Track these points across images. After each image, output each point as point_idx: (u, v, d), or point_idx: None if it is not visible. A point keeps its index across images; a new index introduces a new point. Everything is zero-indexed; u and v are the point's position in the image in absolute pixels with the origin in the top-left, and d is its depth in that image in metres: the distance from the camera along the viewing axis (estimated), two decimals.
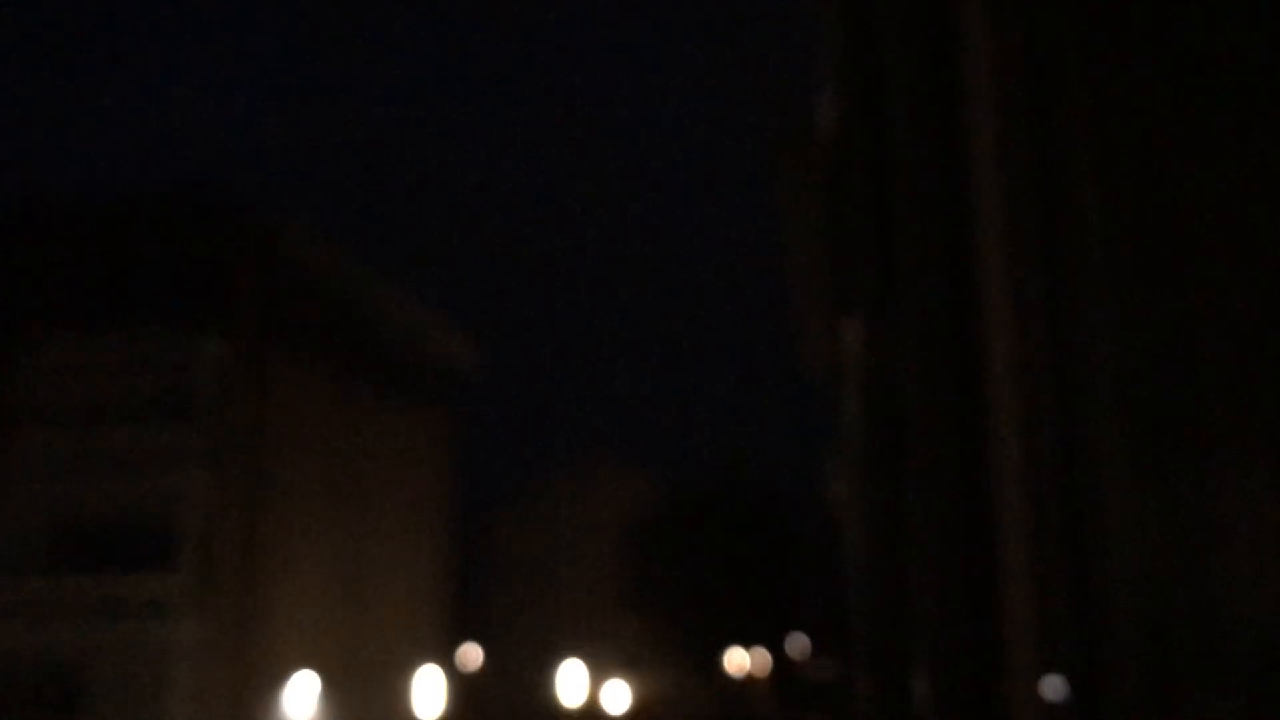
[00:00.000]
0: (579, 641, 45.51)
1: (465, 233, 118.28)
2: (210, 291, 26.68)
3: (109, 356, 26.29)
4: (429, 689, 26.38)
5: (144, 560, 25.22)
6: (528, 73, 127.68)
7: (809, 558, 44.54)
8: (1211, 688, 1.71)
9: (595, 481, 51.64)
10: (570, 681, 36.03)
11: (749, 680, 48.31)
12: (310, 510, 29.06)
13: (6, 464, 26.13)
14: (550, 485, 53.23)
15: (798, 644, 46.49)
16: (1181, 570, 1.94)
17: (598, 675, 45.10)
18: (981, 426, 3.13)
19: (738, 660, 47.76)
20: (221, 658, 25.58)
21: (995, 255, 2.80)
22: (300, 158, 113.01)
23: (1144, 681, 2.05)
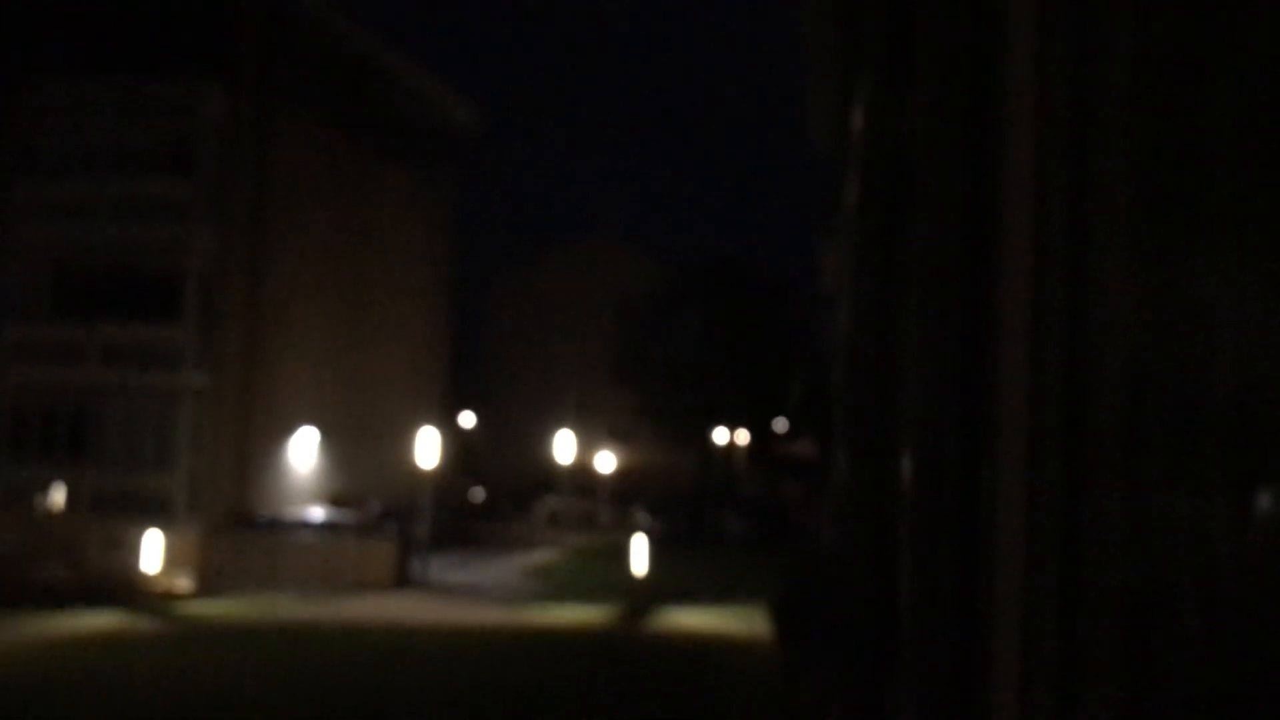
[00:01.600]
0: (572, 411, 46.87)
1: None
2: (214, 43, 26.18)
3: (110, 105, 26.06)
4: (428, 445, 27.45)
5: (148, 308, 25.76)
6: None
7: (798, 342, 45.42)
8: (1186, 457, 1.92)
9: (593, 257, 51.92)
10: (562, 446, 37.42)
11: (731, 454, 50.21)
12: (312, 270, 29.45)
13: (10, 211, 26.26)
14: (549, 259, 53.52)
15: (780, 425, 48.10)
16: (1166, 353, 2.11)
17: (588, 443, 46.79)
18: (988, 208, 3.18)
19: (722, 436, 49.52)
20: (226, 407, 26.50)
21: (1023, 36, 2.78)
22: None
23: (1123, 453, 2.26)
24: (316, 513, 27.58)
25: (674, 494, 40.30)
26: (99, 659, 17.79)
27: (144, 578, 24.13)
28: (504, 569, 29.55)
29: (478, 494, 41.10)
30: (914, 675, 4.21)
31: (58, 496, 25.73)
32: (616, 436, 50.69)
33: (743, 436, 49.63)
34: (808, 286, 39.72)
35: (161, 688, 15.71)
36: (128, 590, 24.13)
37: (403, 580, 26.39)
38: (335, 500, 29.13)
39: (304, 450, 29.18)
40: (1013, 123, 2.74)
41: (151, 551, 23.58)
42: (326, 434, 29.84)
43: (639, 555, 23.74)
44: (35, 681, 15.73)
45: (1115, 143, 2.44)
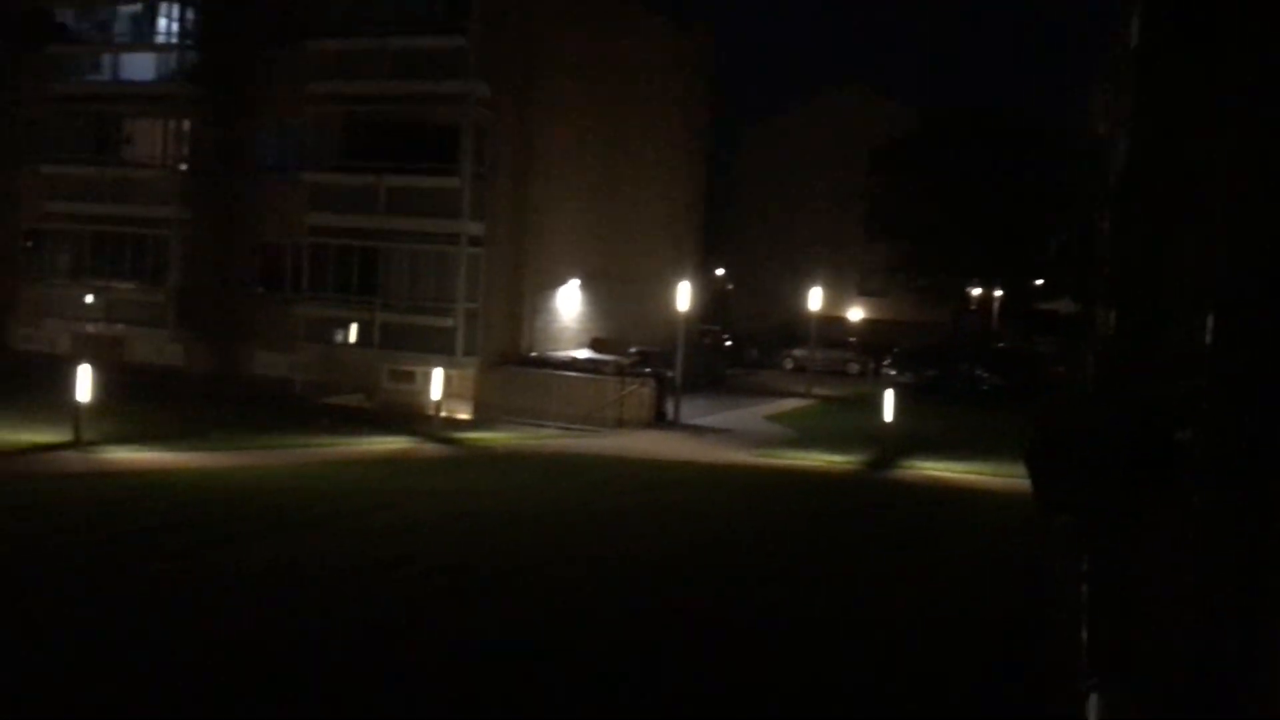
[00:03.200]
0: (822, 263, 46.87)
1: None
2: None
3: None
4: (682, 294, 28.43)
5: (429, 159, 27.50)
6: None
7: (1056, 195, 43.28)
8: None
9: (845, 106, 50.78)
10: (812, 298, 37.66)
11: (984, 308, 49.08)
12: (575, 122, 30.49)
13: (304, 66, 28.34)
14: (800, 108, 52.77)
15: (1035, 280, 46.37)
16: None
17: (838, 296, 46.79)
18: None
19: (975, 290, 48.40)
20: (499, 253, 28.23)
21: None
22: None
23: None
24: (580, 355, 29.29)
25: (924, 348, 39.96)
26: (393, 473, 19.97)
27: (427, 407, 26.52)
28: (752, 415, 30.51)
29: (728, 342, 42.11)
30: (1201, 524, 4.21)
31: (352, 332, 28.33)
32: (867, 290, 50.39)
33: (996, 291, 48.35)
34: (1068, 135, 37.74)
35: (449, 495, 17.63)
36: (412, 418, 26.64)
37: (657, 420, 27.84)
38: (597, 344, 30.77)
39: (569, 296, 30.82)
40: None
41: (434, 385, 25.79)
42: (589, 282, 31.34)
43: (888, 406, 24.09)
44: (345, 488, 17.94)
45: None
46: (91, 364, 21.12)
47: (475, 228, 27.45)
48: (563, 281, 30.49)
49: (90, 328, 31.23)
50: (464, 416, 27.82)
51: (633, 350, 30.37)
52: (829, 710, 9.15)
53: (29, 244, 32.88)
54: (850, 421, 28.18)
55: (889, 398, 24.20)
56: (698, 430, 27.29)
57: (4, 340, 33.35)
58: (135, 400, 24.69)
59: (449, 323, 27.38)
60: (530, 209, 29.00)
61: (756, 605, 12.07)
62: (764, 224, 51.17)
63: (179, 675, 8.98)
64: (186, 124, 31.09)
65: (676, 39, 35.25)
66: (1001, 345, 43.84)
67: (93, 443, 20.00)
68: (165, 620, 10.34)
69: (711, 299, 46.03)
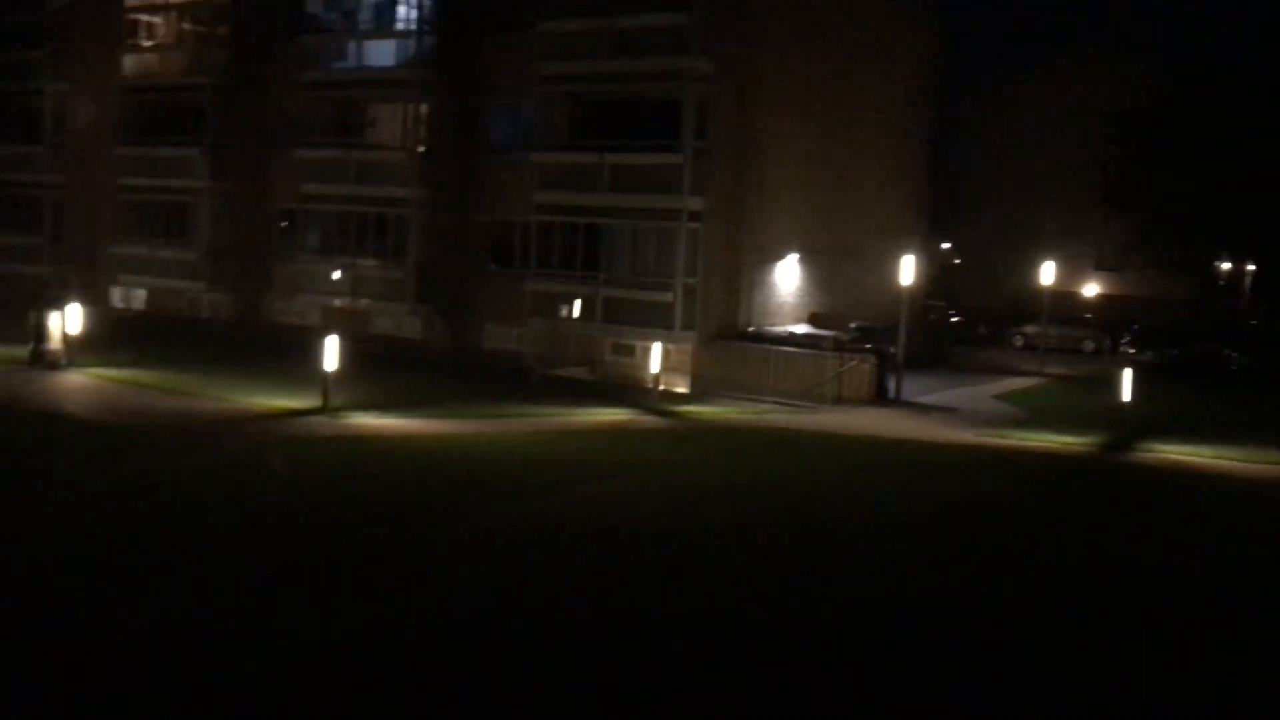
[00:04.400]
0: (1054, 236, 44.75)
1: None
2: None
3: None
4: (905, 268, 27.80)
5: (650, 136, 27.87)
6: None
7: None
8: None
9: (1080, 68, 48.15)
10: (1044, 272, 36.06)
11: (1233, 284, 45.75)
12: (796, 95, 30.21)
13: (531, 48, 29.22)
14: (1031, 72, 50.43)
15: None
16: None
17: (1072, 270, 44.64)
18: None
19: (1223, 265, 45.14)
20: (718, 229, 28.36)
21: None
22: None
23: None
24: (799, 330, 29.09)
25: (1166, 325, 37.59)
26: (613, 444, 20.49)
27: (646, 380, 27.01)
28: (977, 393, 29.58)
29: (952, 318, 40.91)
30: None
31: (576, 307, 29.13)
32: (1103, 265, 47.83)
33: (1248, 265, 44.92)
34: None
35: (668, 466, 17.95)
36: (633, 390, 27.21)
37: (878, 397, 27.38)
38: (815, 319, 30.49)
39: (788, 271, 30.66)
40: None
41: (653, 358, 26.23)
42: (808, 256, 31.08)
43: (1126, 386, 22.87)
44: (567, 457, 18.56)
45: None
46: (338, 336, 22.57)
47: (695, 203, 27.67)
48: (782, 256, 30.34)
49: (337, 302, 33.33)
50: (682, 390, 28.17)
51: (853, 325, 29.88)
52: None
53: (284, 224, 35.35)
54: (1084, 402, 26.92)
55: (1127, 377, 22.97)
56: (920, 408, 26.68)
57: (262, 314, 36.04)
58: (377, 370, 26.29)
59: (668, 297, 27.73)
60: (750, 183, 28.98)
61: (1013, 590, 11.77)
62: (993, 196, 49.28)
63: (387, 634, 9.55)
64: (424, 107, 32.62)
65: (901, 7, 34.32)
66: (1253, 323, 40.75)
67: (339, 409, 21.43)
68: (385, 579, 11.01)
69: (937, 273, 44.76)
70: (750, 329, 28.95)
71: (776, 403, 26.75)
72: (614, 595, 10.77)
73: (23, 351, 25.36)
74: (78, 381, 23.62)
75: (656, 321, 27.85)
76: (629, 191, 28.16)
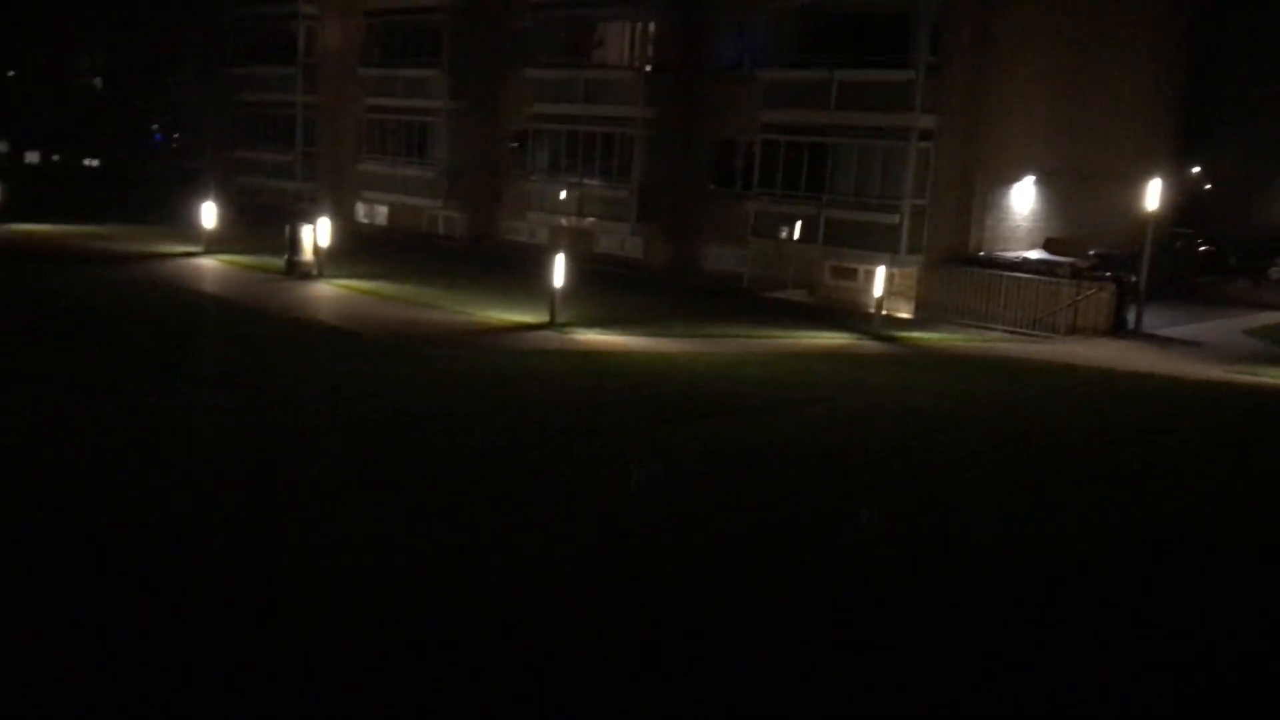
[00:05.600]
0: None
1: None
2: None
3: None
4: (1153, 196, 26.16)
5: (880, 52, 27.04)
6: None
7: None
8: None
9: None
10: None
11: None
12: (1040, 8, 28.60)
13: None
14: None
15: None
16: None
17: None
18: None
19: None
20: (950, 149, 27.37)
21: None
22: None
23: None
24: (1032, 256, 27.91)
25: None
26: (833, 368, 20.35)
27: (868, 305, 26.59)
28: (1226, 326, 27.75)
29: (1200, 247, 38.28)
30: None
31: (796, 229, 28.86)
32: None
33: None
34: None
35: (888, 391, 17.71)
36: (853, 315, 26.86)
37: (1115, 329, 26.07)
38: (1051, 245, 29.15)
39: (1023, 194, 29.35)
40: None
41: (876, 282, 25.76)
42: (1046, 178, 29.63)
43: None
44: (784, 380, 18.58)
45: None
46: (565, 254, 23.21)
47: (927, 121, 26.77)
48: (1017, 178, 29.04)
49: (564, 221, 34.18)
50: (905, 315, 27.61)
51: (1091, 253, 28.45)
52: None
53: (515, 144, 36.37)
54: None
55: None
56: (1161, 341, 25.27)
57: (493, 231, 37.39)
58: (600, 288, 26.92)
59: (894, 219, 27.08)
60: (986, 101, 27.75)
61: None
62: (1252, 116, 45.47)
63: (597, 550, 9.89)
64: (652, 26, 32.70)
65: None
66: None
67: (564, 324, 22.12)
68: (620, 495, 11.38)
69: (1185, 200, 41.85)
70: (980, 253, 27.98)
71: (1006, 331, 25.88)
72: (847, 512, 10.82)
73: (279, 262, 27.23)
74: (327, 291, 25.22)
75: (881, 244, 27.28)
76: (857, 109, 27.50)
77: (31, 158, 61.55)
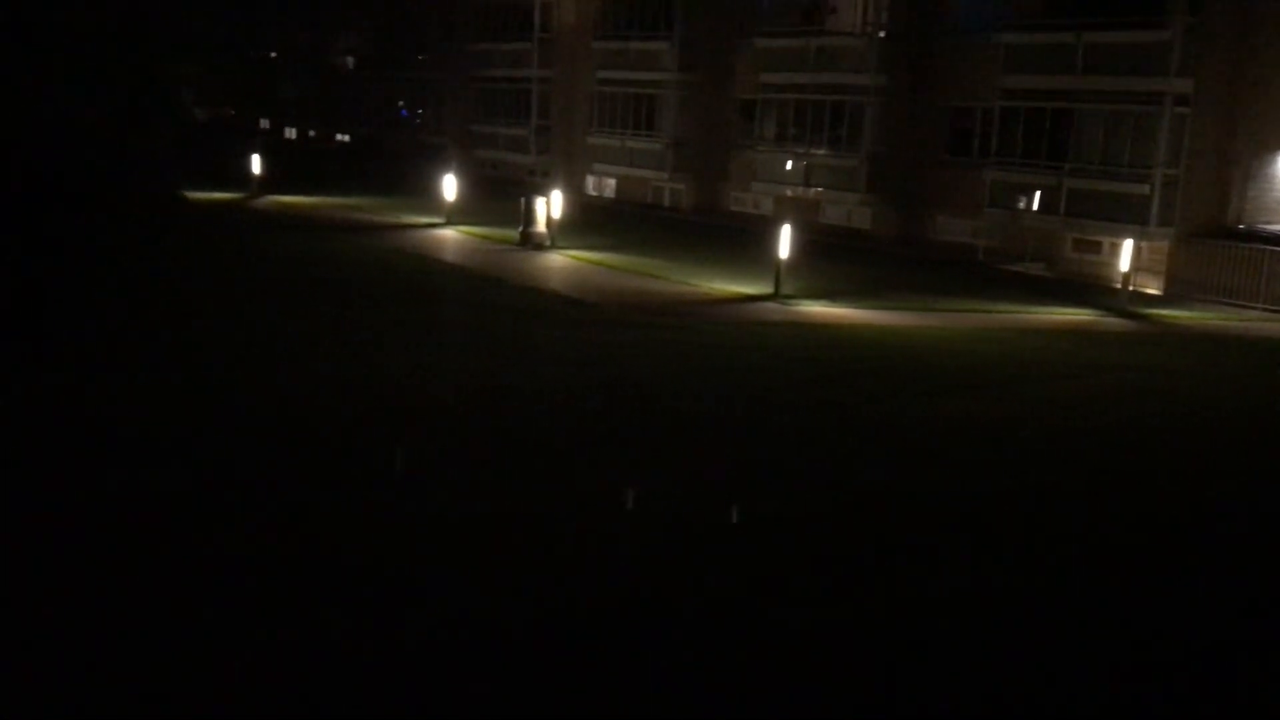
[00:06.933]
0: None
1: None
2: None
3: None
4: None
5: (1133, 11, 25.41)
6: None
7: None
8: None
9: None
10: None
11: None
12: None
13: None
14: None
15: None
16: None
17: None
18: None
19: None
20: (1209, 115, 25.53)
21: None
22: None
23: None
24: None
25: None
26: (1074, 345, 19.39)
27: (1113, 280, 25.16)
28: None
29: None
30: None
31: (1035, 199, 27.60)
32: None
33: None
34: None
35: (1137, 370, 16.77)
36: (1096, 290, 25.49)
37: None
38: None
39: None
40: None
41: (1122, 256, 24.35)
42: None
43: None
44: (1023, 356, 17.86)
45: None
46: (790, 224, 23.01)
47: (1183, 85, 25.01)
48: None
49: (789, 191, 33.90)
50: (1153, 291, 26.01)
51: None
52: None
53: (742, 114, 36.29)
54: None
55: None
56: None
57: (718, 203, 37.49)
58: (826, 259, 26.58)
59: (1144, 189, 25.49)
60: (1251, 64, 25.67)
61: None
62: None
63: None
64: None
65: None
66: None
67: (789, 296, 21.96)
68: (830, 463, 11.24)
69: None
70: (1241, 226, 25.99)
71: (1268, 310, 24.01)
72: (1099, 497, 10.37)
73: (514, 233, 28.19)
74: (558, 261, 25.92)
75: (1128, 216, 25.75)
76: (1105, 73, 25.98)
77: (289, 133, 65.99)
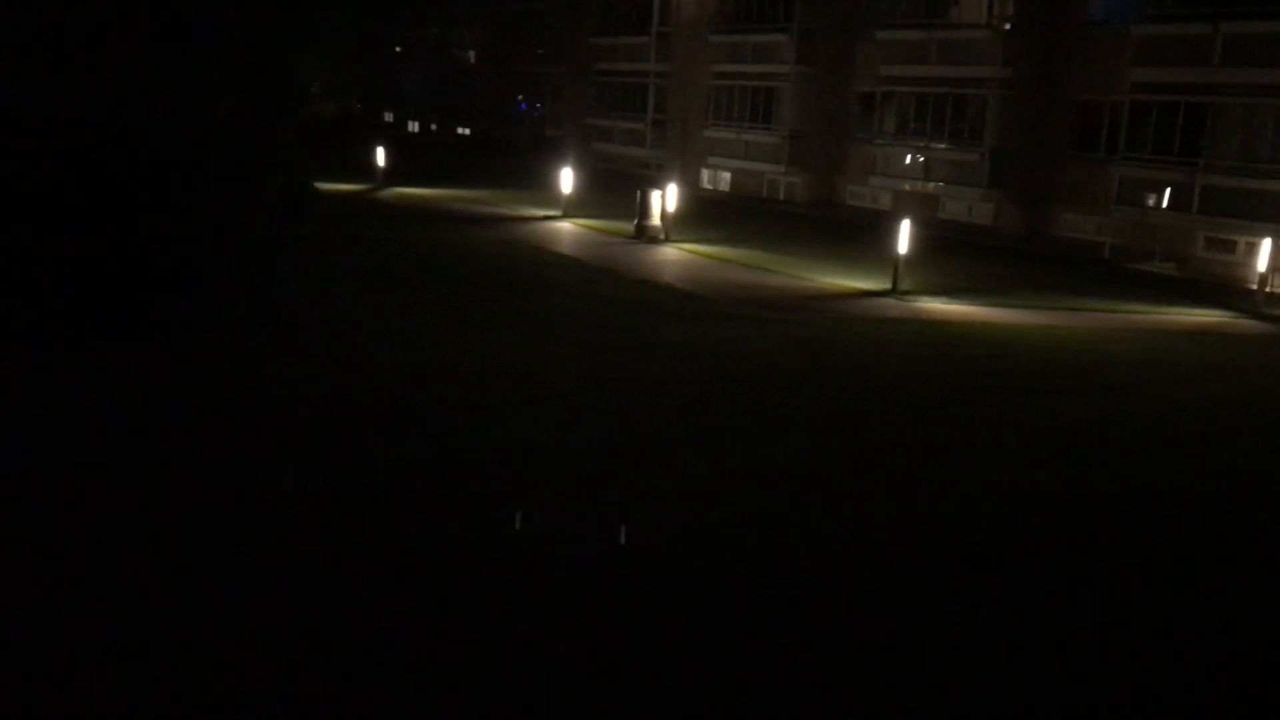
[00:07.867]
0: None
1: None
2: None
3: None
4: None
5: (1272, 2, 24.39)
6: None
7: None
8: None
9: None
10: None
11: None
12: None
13: None
14: None
15: None
16: None
17: None
18: None
19: None
20: None
21: None
22: None
23: None
24: None
25: None
26: (1206, 346, 18.72)
27: (1249, 280, 24.18)
28: None
29: None
30: None
31: (1166, 196, 26.69)
32: None
33: None
34: None
35: (1272, 374, 16.13)
36: (1230, 291, 24.53)
37: None
38: None
39: None
40: None
41: (1260, 256, 23.39)
42: None
43: None
44: (1142, 358, 17.31)
45: None
46: (909, 219, 22.68)
47: None
48: None
49: (908, 186, 33.41)
50: None
51: None
52: None
53: (861, 108, 35.87)
54: None
55: None
56: None
57: (834, 197, 37.14)
58: (945, 255, 26.13)
59: None
60: None
61: None
62: None
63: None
64: None
65: None
66: None
67: (907, 292, 21.65)
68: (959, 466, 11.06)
69: None
70: None
71: None
72: (1238, 500, 10.04)
73: (629, 226, 28.36)
74: (672, 254, 26.01)
75: (1268, 214, 24.74)
76: (1245, 65, 25.00)
77: (412, 127, 67.47)
